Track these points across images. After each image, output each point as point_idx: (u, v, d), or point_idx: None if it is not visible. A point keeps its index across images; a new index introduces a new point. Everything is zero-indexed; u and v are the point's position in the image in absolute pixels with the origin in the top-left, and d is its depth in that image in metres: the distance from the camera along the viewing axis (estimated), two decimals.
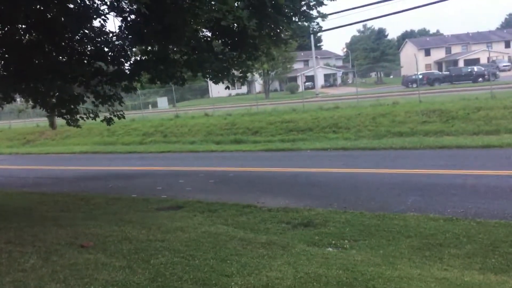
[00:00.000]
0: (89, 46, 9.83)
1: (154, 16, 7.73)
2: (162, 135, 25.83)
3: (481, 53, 72.81)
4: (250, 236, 6.57)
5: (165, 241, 6.09)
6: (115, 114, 11.34)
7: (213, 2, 7.52)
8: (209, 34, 9.88)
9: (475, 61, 69.34)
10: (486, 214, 7.38)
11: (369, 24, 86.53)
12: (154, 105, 57.94)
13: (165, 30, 8.11)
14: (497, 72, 48.55)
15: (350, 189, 10.27)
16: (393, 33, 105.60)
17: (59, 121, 25.42)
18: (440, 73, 56.58)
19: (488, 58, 61.03)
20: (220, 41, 9.96)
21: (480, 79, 44.43)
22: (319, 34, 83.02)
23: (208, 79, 10.77)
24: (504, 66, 64.37)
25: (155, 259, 5.17)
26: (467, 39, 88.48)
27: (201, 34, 9.85)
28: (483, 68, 48.14)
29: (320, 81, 70.33)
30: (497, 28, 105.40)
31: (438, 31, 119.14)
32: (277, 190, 10.82)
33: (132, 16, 9.05)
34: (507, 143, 13.73)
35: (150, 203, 9.89)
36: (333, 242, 6.36)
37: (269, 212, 8.49)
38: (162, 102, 56.06)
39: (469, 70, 49.01)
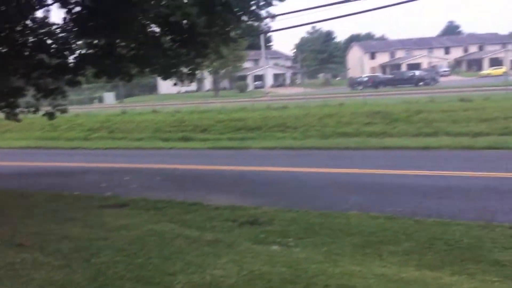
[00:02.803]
0: (30, 38, 9.45)
1: (101, 9, 7.54)
2: (108, 131, 25.16)
3: (423, 58, 75.97)
4: (195, 234, 6.54)
5: (107, 239, 5.96)
6: (57, 108, 10.95)
7: None
8: (157, 29, 9.75)
9: (417, 66, 72.16)
10: (424, 212, 7.69)
11: (317, 26, 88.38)
12: (101, 100, 56.39)
13: (112, 24, 7.93)
14: (437, 77, 50.85)
15: (296, 188, 10.44)
16: (340, 36, 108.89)
17: None
18: (385, 76, 58.58)
19: (429, 63, 63.67)
20: (169, 37, 9.85)
21: (421, 83, 46.39)
22: (269, 34, 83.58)
23: (156, 75, 10.63)
24: (443, 71, 67.48)
25: (97, 258, 5.05)
26: (410, 44, 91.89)
27: (149, 29, 9.71)
28: (424, 73, 50.27)
29: (269, 80, 70.86)
30: (438, 35, 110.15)
31: (383, 35, 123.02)
32: (225, 188, 10.81)
33: (78, 8, 8.78)
34: (445, 144, 14.38)
35: (93, 201, 9.61)
36: (278, 240, 6.44)
37: (216, 210, 8.47)
38: (109, 97, 54.68)
39: (411, 74, 51.01)
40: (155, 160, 16.40)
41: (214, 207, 8.67)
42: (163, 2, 7.37)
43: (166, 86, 40.14)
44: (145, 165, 15.04)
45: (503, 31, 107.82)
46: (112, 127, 25.58)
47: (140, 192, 10.51)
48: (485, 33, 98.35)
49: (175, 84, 10.92)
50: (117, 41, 9.60)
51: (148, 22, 8.85)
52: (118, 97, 50.63)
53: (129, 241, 5.90)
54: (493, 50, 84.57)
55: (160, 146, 20.12)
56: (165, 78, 10.24)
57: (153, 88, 68.57)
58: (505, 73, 37.48)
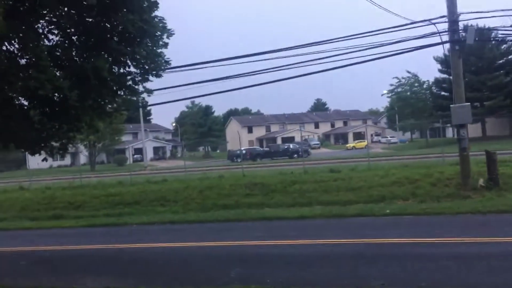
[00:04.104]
0: None
1: None
2: None
3: (296, 132, 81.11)
4: None
5: None
6: None
7: (30, 71, 7.11)
8: (25, 102, 9.23)
9: (291, 139, 76.84)
10: (301, 281, 7.90)
11: (196, 101, 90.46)
12: None
13: None
14: (309, 149, 54.45)
15: (177, 264, 10.15)
16: (219, 111, 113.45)
17: None
18: (261, 149, 61.28)
19: (301, 137, 68.13)
20: (38, 110, 9.35)
21: (295, 155, 49.19)
22: (148, 108, 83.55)
23: (23, 150, 9.92)
24: (314, 144, 72.73)
25: None
26: (283, 119, 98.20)
27: (16, 101, 9.15)
28: (297, 146, 53.52)
29: (149, 153, 69.94)
30: (308, 111, 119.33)
31: (259, 110, 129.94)
32: (99, 269, 10.14)
33: None
34: (318, 214, 15.15)
35: None
36: None
37: None
38: None
39: (286, 147, 54.08)
40: (20, 242, 14.88)
41: None
42: (32, 75, 7.04)
43: (36, 160, 37.58)
44: (8, 249, 13.55)
45: (363, 108, 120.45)
46: None
47: (1, 280, 9.40)
48: (349, 110, 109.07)
49: (44, 159, 10.28)
50: None
51: (15, 94, 8.36)
52: None
53: None
54: (355, 125, 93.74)
55: (27, 226, 18.41)
56: (33, 153, 9.60)
57: (21, 163, 63.58)
58: (367, 146, 41.49)
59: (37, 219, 19.72)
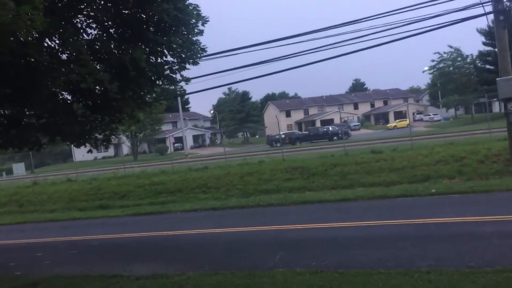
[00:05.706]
0: None
1: (4, 77, 7.21)
2: (18, 205, 23.54)
3: (334, 114, 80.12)
4: None
5: None
6: None
7: (72, 65, 7.25)
8: (68, 96, 9.47)
9: (330, 121, 76.02)
10: (346, 264, 7.84)
11: (233, 87, 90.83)
12: (9, 171, 53.14)
13: (18, 92, 7.60)
14: (349, 131, 53.69)
15: (221, 250, 10.27)
16: (256, 96, 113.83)
17: None
18: (300, 132, 60.87)
19: (341, 119, 67.29)
20: (81, 103, 9.59)
21: (335, 137, 48.56)
22: (186, 97, 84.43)
23: (68, 143, 10.22)
24: (354, 125, 71.65)
25: None
26: (321, 102, 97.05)
27: (60, 96, 9.40)
28: (337, 128, 52.83)
29: (189, 142, 70.95)
30: (346, 92, 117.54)
31: (296, 94, 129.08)
32: (146, 256, 10.40)
33: None
34: (360, 196, 14.97)
35: (0, 282, 8.79)
36: None
37: (137, 281, 8.10)
38: (19, 168, 51.76)
39: (325, 129, 53.43)
40: (70, 232, 15.46)
41: (135, 278, 8.28)
42: (73, 69, 7.19)
43: (81, 153, 38.79)
44: (59, 238, 14.11)
45: (404, 86, 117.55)
46: (22, 200, 24.01)
47: (54, 269, 9.82)
48: (388, 89, 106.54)
49: (89, 151, 10.56)
50: (26, 110, 9.19)
51: (58, 89, 8.59)
52: (29, 167, 47.99)
53: None
54: (396, 104, 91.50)
55: (76, 216, 19.09)
56: (78, 145, 9.88)
57: (67, 156, 65.87)
58: (409, 125, 40.53)
59: (85, 210, 20.42)
